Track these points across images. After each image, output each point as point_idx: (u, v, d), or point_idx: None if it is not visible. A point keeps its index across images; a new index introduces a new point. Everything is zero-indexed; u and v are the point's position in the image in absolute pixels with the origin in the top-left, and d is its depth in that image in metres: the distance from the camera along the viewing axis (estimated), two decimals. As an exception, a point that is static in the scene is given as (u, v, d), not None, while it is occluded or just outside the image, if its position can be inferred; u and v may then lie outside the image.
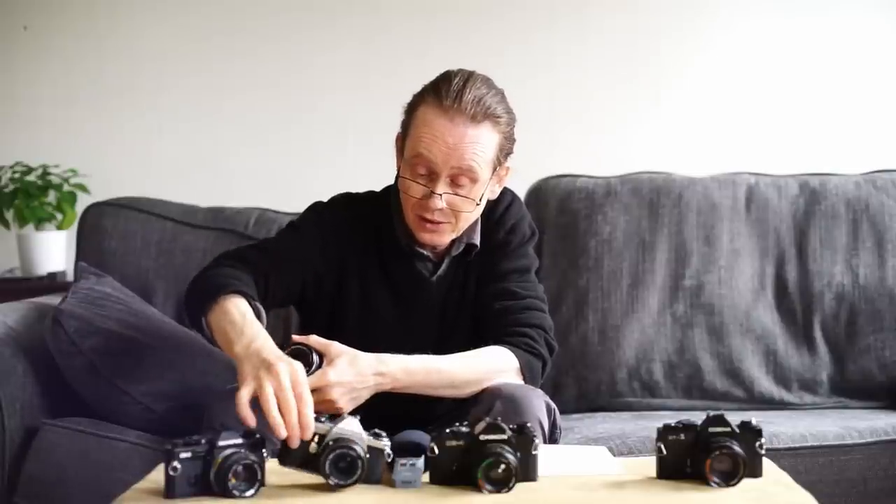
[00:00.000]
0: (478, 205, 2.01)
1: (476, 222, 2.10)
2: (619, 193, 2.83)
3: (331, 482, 1.56)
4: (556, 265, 2.80)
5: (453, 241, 2.08)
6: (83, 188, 3.35)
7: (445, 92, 1.96)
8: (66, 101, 3.46)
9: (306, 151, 3.44)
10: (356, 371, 1.83)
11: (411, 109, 2.02)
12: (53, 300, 2.56)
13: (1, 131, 3.46)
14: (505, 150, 2.02)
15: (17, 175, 3.32)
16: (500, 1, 3.42)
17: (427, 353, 1.92)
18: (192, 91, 3.44)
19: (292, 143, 3.44)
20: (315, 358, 1.84)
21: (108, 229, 2.82)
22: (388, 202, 2.11)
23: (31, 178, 3.31)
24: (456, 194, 1.98)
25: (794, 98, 3.37)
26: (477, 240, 2.10)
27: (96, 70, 3.45)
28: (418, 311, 2.09)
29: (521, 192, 2.87)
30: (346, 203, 2.15)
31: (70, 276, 3.05)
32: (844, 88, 3.36)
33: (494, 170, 2.02)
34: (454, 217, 2.00)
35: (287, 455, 1.60)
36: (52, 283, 3.20)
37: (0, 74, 3.48)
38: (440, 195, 1.96)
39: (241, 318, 1.80)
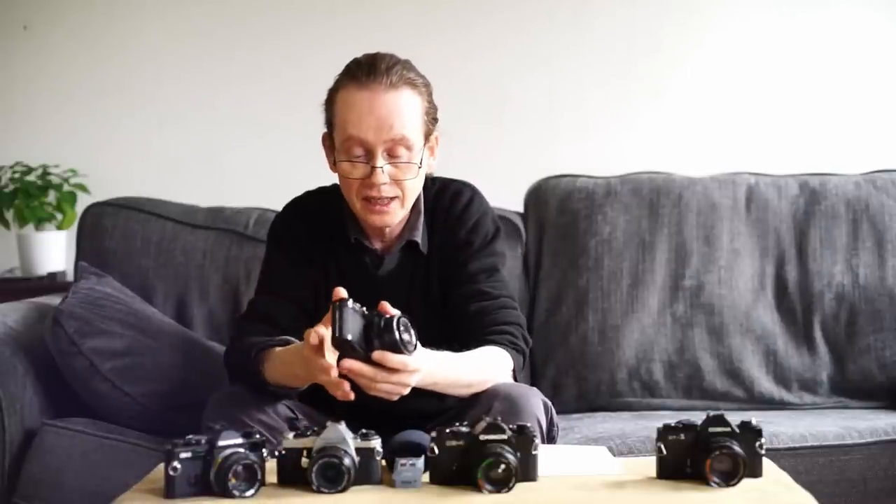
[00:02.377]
0: (419, 168, 2.00)
1: (418, 218, 2.09)
2: (619, 193, 2.83)
3: (322, 491, 1.55)
4: (556, 265, 2.80)
5: (398, 237, 2.09)
6: (83, 188, 3.35)
7: (358, 70, 1.99)
8: (65, 101, 3.45)
9: (306, 151, 3.37)
10: (430, 364, 1.78)
11: (330, 102, 2.04)
12: (53, 300, 2.57)
13: (1, 131, 3.46)
14: (431, 115, 2.04)
15: (17, 175, 3.31)
16: (499, -1, 3.42)
17: None
18: (192, 91, 3.44)
19: (292, 142, 3.41)
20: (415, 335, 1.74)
21: (108, 229, 2.82)
22: (338, 195, 2.10)
23: (31, 178, 3.31)
24: (396, 165, 1.99)
25: (794, 98, 3.36)
26: (418, 237, 2.09)
27: (96, 70, 3.45)
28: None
29: (521, 193, 2.89)
30: (294, 210, 2.15)
31: (70, 276, 3.04)
32: (844, 88, 3.36)
33: (427, 138, 2.03)
34: (400, 189, 2.00)
35: (286, 475, 1.60)
36: (52, 283, 3.19)
37: (0, 74, 3.48)
38: (381, 168, 1.97)
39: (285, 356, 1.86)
